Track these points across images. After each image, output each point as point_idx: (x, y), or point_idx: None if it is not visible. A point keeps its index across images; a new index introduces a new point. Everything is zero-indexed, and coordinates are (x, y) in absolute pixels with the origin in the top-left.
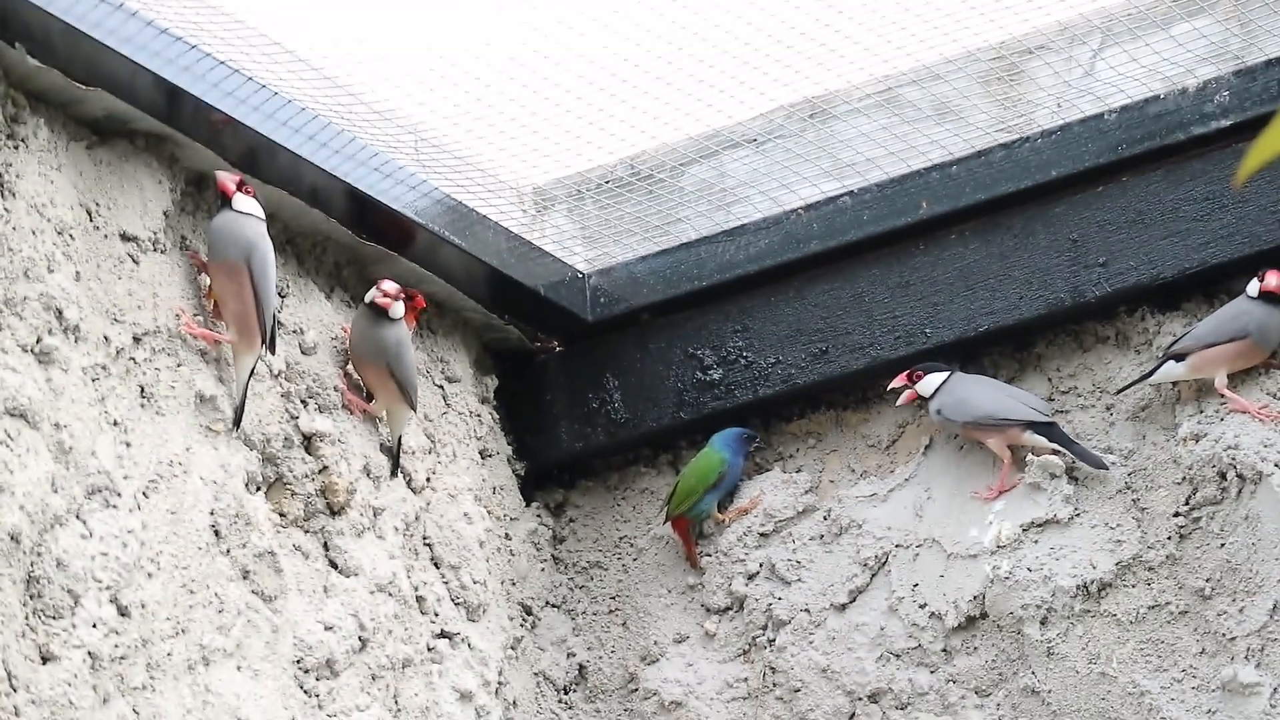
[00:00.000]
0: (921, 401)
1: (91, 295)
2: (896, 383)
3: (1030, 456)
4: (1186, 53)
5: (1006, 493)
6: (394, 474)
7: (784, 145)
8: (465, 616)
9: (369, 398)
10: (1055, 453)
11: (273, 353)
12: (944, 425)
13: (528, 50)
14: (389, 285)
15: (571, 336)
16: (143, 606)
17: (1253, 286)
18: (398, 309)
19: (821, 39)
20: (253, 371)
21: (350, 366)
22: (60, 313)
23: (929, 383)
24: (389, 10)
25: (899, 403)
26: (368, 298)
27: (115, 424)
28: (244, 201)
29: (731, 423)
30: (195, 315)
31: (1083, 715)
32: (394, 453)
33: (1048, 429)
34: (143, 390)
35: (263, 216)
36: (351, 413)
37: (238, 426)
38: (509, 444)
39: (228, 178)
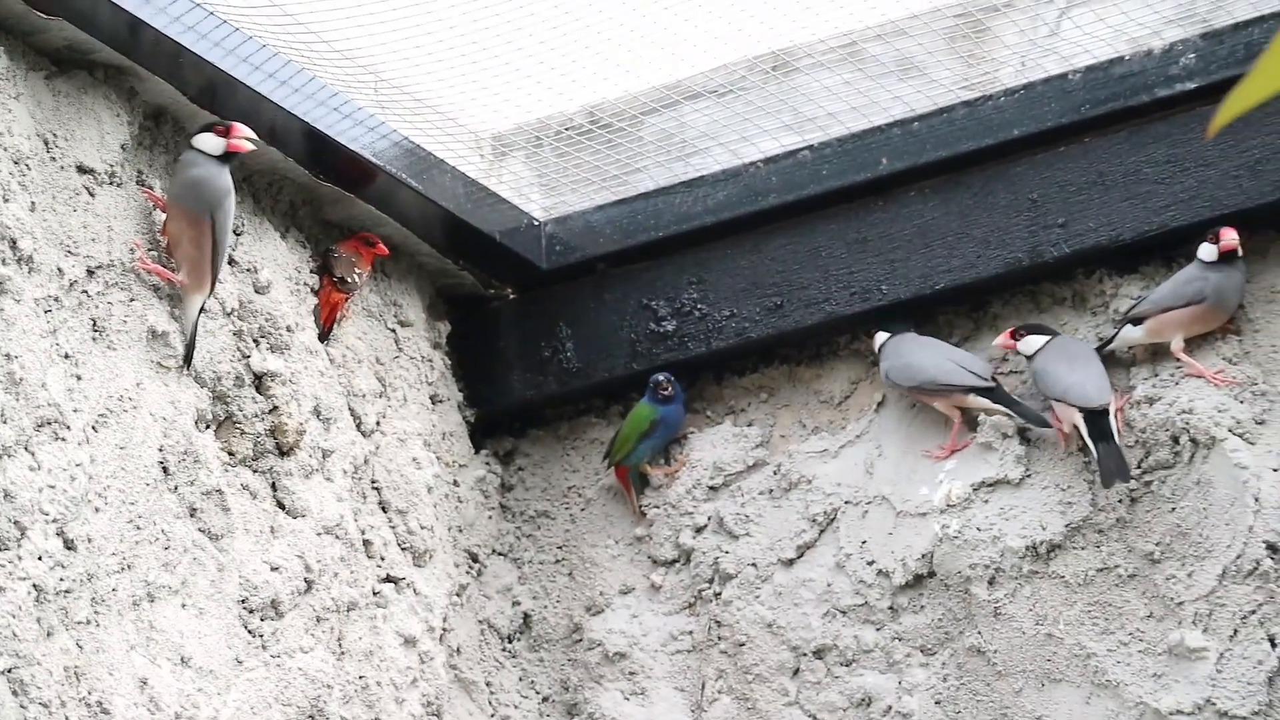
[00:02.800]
0: (874, 359)
1: (46, 226)
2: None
3: (983, 416)
4: (1153, 14)
5: (958, 452)
6: (187, 363)
7: (745, 97)
8: (411, 562)
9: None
10: (1005, 414)
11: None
12: (894, 389)
13: None
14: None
15: (526, 284)
16: (89, 541)
17: (1206, 250)
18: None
19: None
20: (201, 310)
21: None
22: (14, 243)
23: (877, 339)
24: None
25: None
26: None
27: (66, 357)
28: (212, 142)
29: (684, 375)
30: (150, 250)
31: (1028, 676)
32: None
33: (990, 393)
34: (95, 324)
35: (223, 154)
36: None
37: (189, 365)
38: (460, 390)
39: (247, 137)
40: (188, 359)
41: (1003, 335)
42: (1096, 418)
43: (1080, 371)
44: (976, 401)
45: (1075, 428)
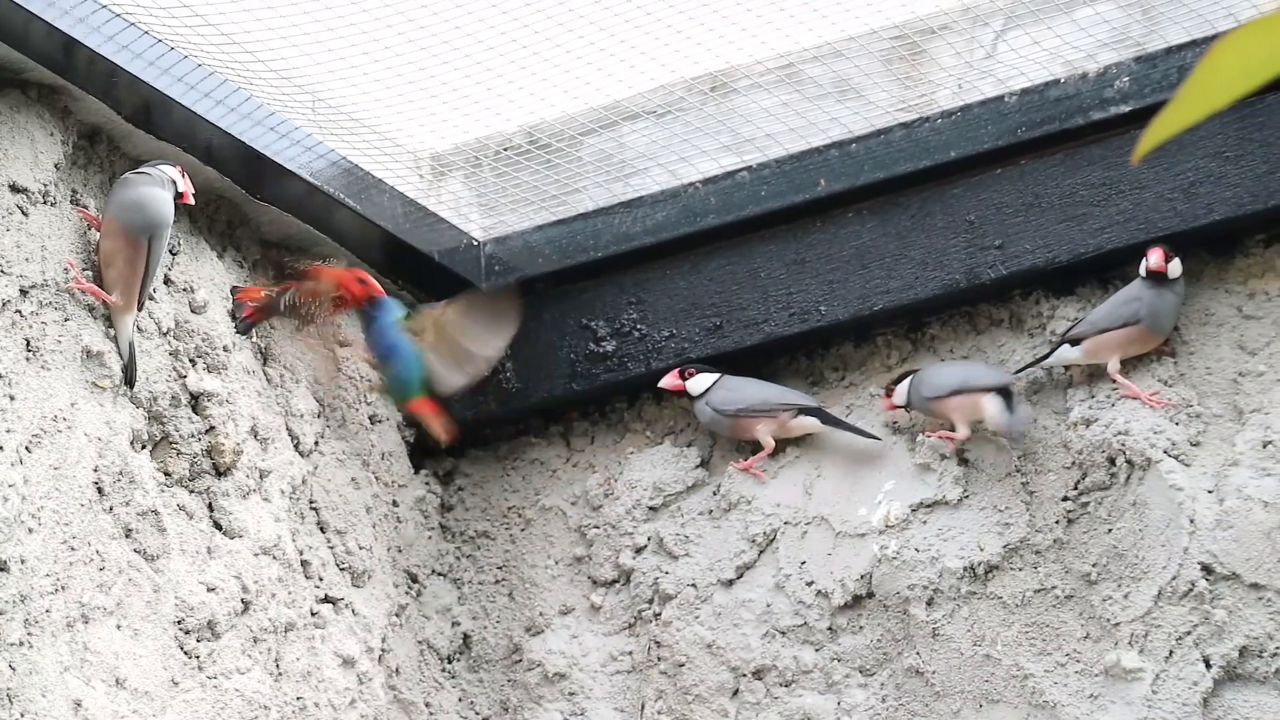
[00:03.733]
0: (694, 400)
1: None
2: (667, 381)
3: (921, 437)
4: (1088, 37)
5: (749, 469)
6: (130, 384)
7: (684, 118)
8: (350, 582)
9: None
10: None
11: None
12: (713, 422)
13: (428, 13)
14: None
15: None
16: (22, 562)
17: (1143, 268)
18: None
19: (724, 12)
20: (133, 329)
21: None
22: None
23: (700, 381)
24: None
25: (663, 384)
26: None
27: None
28: (172, 172)
29: (623, 395)
30: (85, 270)
31: (966, 697)
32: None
33: (817, 412)
34: (28, 344)
35: (176, 186)
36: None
37: (131, 386)
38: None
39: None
40: (129, 380)
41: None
42: (1005, 394)
43: (960, 367)
44: (803, 422)
45: (976, 421)
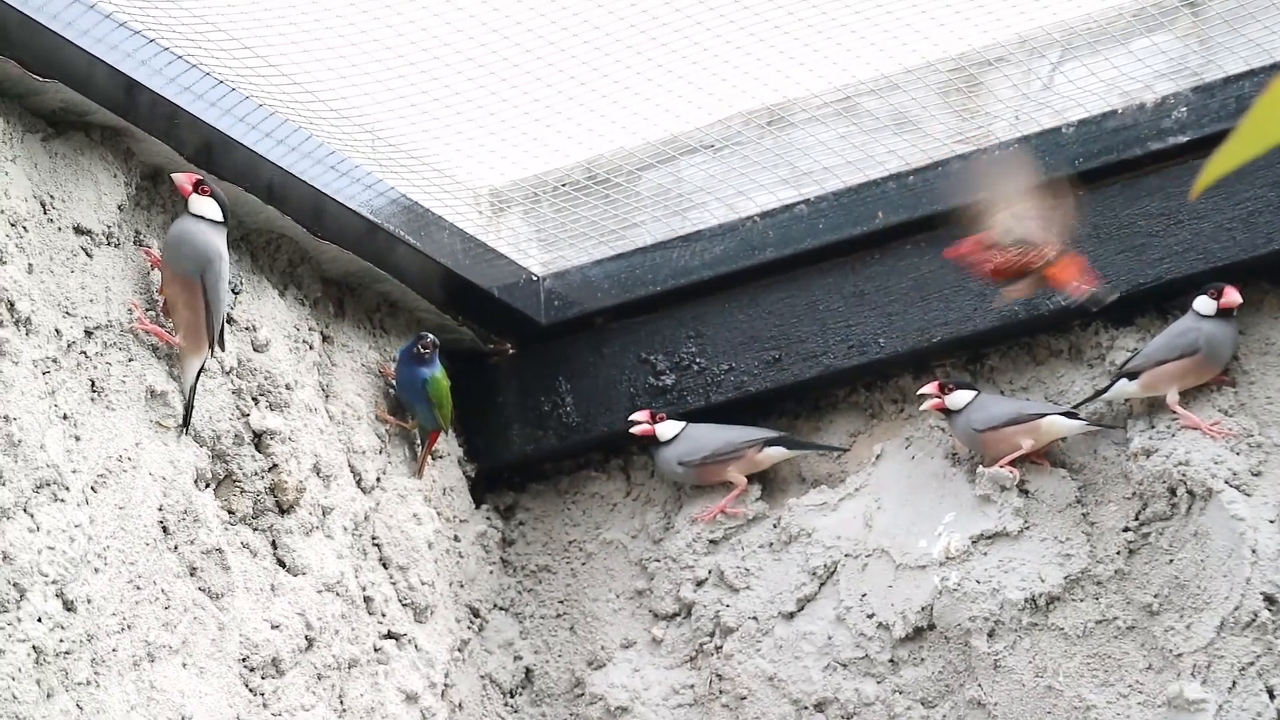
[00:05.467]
0: (654, 451)
1: (44, 288)
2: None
3: (980, 470)
4: (1145, 68)
5: (722, 514)
6: (185, 428)
7: (741, 152)
8: (412, 618)
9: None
10: (795, 456)
11: (222, 349)
12: (676, 474)
13: (486, 51)
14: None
15: (525, 339)
16: (89, 601)
17: (1205, 304)
18: (200, 204)
19: (781, 46)
20: (200, 373)
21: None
22: (12, 305)
23: (668, 427)
24: (347, 8)
25: (633, 429)
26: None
27: (65, 417)
28: (201, 204)
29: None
30: (148, 310)
31: None
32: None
33: (782, 440)
34: (93, 384)
35: (220, 219)
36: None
37: (187, 428)
38: (460, 445)
39: (184, 179)
40: (186, 422)
41: (930, 386)
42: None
43: (1014, 399)
44: (771, 453)
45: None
